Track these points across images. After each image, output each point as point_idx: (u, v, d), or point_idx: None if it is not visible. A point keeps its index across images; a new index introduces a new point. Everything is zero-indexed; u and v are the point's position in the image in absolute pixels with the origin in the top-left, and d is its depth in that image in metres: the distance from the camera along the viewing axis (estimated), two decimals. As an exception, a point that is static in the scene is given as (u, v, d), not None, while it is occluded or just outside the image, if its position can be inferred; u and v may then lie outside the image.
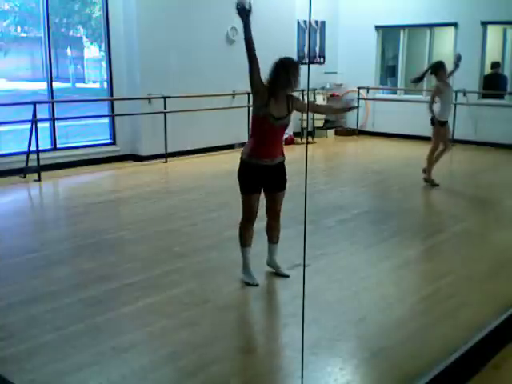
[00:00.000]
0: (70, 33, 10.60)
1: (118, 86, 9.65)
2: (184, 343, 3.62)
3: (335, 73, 13.00)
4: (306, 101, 11.06)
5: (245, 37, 4.12)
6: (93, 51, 11.06)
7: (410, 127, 11.85)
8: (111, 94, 9.72)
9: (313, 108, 5.90)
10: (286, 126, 4.41)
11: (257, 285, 4.47)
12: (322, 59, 12.92)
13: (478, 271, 4.91)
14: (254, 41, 4.11)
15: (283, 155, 4.47)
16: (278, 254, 4.72)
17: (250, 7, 4.08)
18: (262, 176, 4.38)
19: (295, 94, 4.53)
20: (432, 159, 7.82)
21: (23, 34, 9.85)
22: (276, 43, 10.89)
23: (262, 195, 4.50)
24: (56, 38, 9.58)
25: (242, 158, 4.42)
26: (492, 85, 11.60)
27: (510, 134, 11.02)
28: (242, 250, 4.56)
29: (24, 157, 8.27)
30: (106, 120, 9.89)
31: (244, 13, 4.06)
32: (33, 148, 8.23)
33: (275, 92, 4.25)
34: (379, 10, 12.42)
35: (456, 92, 8.03)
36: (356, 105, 4.79)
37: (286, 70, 4.23)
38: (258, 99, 4.27)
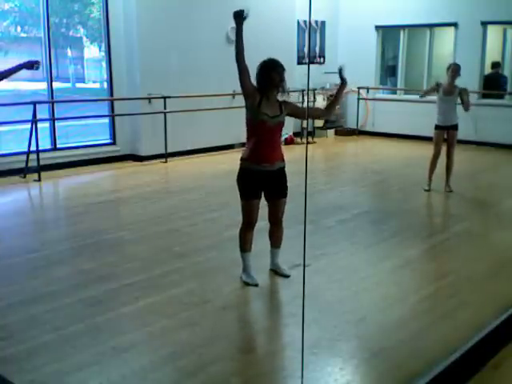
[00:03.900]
0: (70, 33, 10.60)
1: (118, 86, 9.65)
2: (184, 343, 3.62)
3: (335, 73, 12.98)
4: (303, 104, 11.07)
5: (236, 45, 4.15)
6: (93, 51, 11.05)
7: (410, 127, 11.86)
8: (111, 94, 9.72)
9: (311, 113, 5.47)
10: (281, 125, 4.40)
11: (256, 285, 4.47)
12: (322, 59, 12.92)
13: (478, 271, 4.91)
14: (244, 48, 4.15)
15: (283, 160, 4.46)
16: (279, 254, 4.71)
17: (247, 14, 4.13)
18: (261, 182, 4.38)
19: (293, 94, 4.51)
20: (430, 165, 7.70)
21: (23, 34, 9.85)
22: (276, 43, 10.91)
23: (263, 201, 4.50)
24: (56, 37, 9.58)
25: (240, 163, 4.43)
26: (492, 85, 11.60)
27: (510, 134, 11.03)
28: (242, 255, 4.57)
29: (24, 157, 8.27)
30: (106, 120, 9.89)
31: (240, 18, 4.11)
32: (33, 148, 8.23)
33: (265, 92, 4.28)
34: (379, 10, 12.42)
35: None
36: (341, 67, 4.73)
37: (269, 69, 4.26)
38: (250, 101, 4.29)
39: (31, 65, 5.45)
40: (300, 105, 11.45)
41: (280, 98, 4.43)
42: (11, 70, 5.49)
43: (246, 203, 4.43)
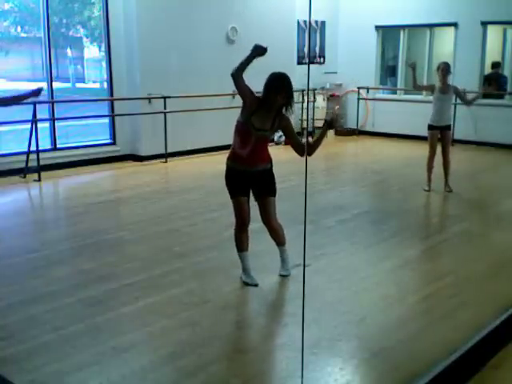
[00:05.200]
0: (70, 33, 10.60)
1: (118, 86, 9.65)
2: (184, 343, 3.62)
3: (335, 73, 13.01)
4: (304, 104, 11.05)
5: (240, 67, 4.11)
6: (93, 51, 11.06)
7: (409, 127, 11.85)
8: (111, 94, 9.72)
9: (296, 144, 4.43)
10: (265, 139, 4.37)
11: (256, 285, 4.46)
12: (322, 59, 12.92)
13: (477, 271, 4.91)
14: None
15: (269, 162, 4.45)
16: (286, 251, 4.65)
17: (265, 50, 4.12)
18: (245, 180, 4.39)
19: (293, 94, 4.46)
20: (428, 165, 7.70)
21: (23, 34, 9.85)
22: (276, 43, 10.90)
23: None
24: (56, 37, 9.58)
25: (226, 162, 4.46)
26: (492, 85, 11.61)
27: (510, 134, 11.03)
28: (239, 255, 4.57)
29: (24, 157, 8.27)
30: (106, 120, 9.89)
31: (259, 52, 4.09)
32: (33, 148, 8.24)
33: (264, 105, 4.24)
34: (379, 10, 12.42)
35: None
36: (333, 114, 4.54)
37: (271, 86, 4.19)
38: (246, 106, 4.27)
39: (37, 93, 5.57)
40: (300, 105, 11.49)
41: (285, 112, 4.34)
42: (17, 98, 5.58)
43: (235, 201, 4.44)
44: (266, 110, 4.26)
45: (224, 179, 4.49)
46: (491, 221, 6.61)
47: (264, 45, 4.10)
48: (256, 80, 4.35)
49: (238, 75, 4.14)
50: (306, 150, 3.98)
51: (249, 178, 4.38)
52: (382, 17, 12.41)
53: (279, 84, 4.20)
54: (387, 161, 10.22)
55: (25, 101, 5.95)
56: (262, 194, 4.46)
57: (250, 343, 3.84)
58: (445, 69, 7.46)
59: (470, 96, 8.55)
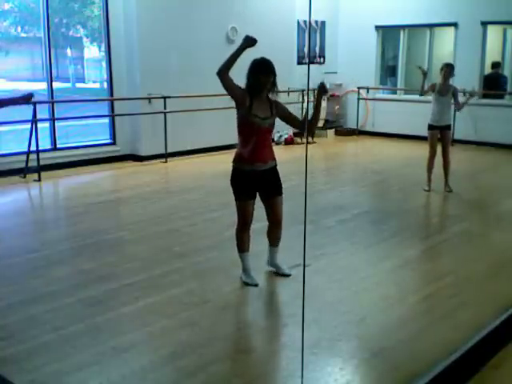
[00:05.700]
0: (70, 33, 10.61)
1: (118, 86, 9.65)
2: (184, 343, 3.62)
3: (335, 73, 13.00)
4: (304, 104, 11.04)
5: (228, 62, 4.12)
6: (93, 51, 11.07)
7: (409, 127, 11.85)
8: (111, 94, 9.72)
9: (297, 122, 4.60)
10: (271, 127, 4.39)
11: (256, 285, 4.47)
12: (322, 59, 12.92)
13: (477, 271, 4.91)
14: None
15: (274, 159, 4.46)
16: (278, 253, 4.71)
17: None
18: (255, 182, 4.38)
19: (293, 94, 4.49)
20: (428, 165, 7.71)
21: (23, 34, 9.86)
22: (276, 43, 10.91)
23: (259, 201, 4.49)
24: (56, 37, 9.59)
25: (233, 164, 4.43)
26: (492, 85, 11.61)
27: (510, 134, 11.03)
28: (240, 255, 4.57)
29: (24, 157, 8.28)
30: (106, 120, 9.90)
31: (249, 43, 4.13)
32: (33, 148, 8.24)
33: (255, 94, 4.27)
34: (379, 10, 12.42)
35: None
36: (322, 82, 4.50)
37: (260, 73, 4.24)
38: (240, 104, 4.29)
39: (28, 98, 5.64)
40: (300, 105, 11.48)
41: (271, 95, 4.40)
42: (4, 101, 5.64)
43: (241, 204, 4.42)
44: (259, 96, 4.28)
45: (229, 180, 4.46)
46: (491, 221, 6.61)
47: (254, 36, 4.13)
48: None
49: (224, 73, 4.16)
50: (306, 128, 4.13)
51: (256, 179, 4.37)
52: (382, 17, 12.40)
53: (263, 66, 4.25)
54: (387, 161, 10.22)
55: (18, 104, 5.98)
56: (271, 195, 4.46)
57: (250, 343, 3.84)
58: (448, 71, 7.46)
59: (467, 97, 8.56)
